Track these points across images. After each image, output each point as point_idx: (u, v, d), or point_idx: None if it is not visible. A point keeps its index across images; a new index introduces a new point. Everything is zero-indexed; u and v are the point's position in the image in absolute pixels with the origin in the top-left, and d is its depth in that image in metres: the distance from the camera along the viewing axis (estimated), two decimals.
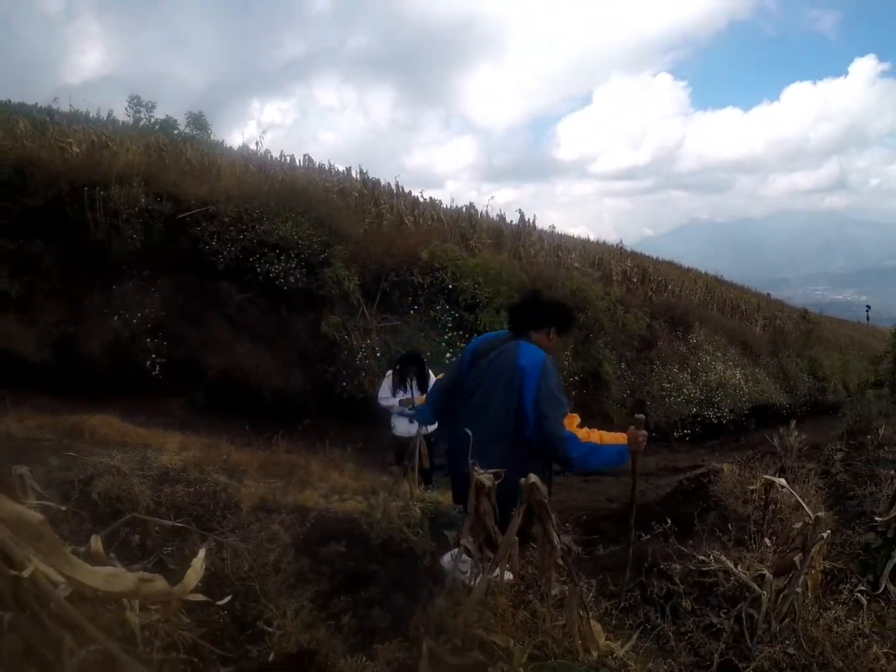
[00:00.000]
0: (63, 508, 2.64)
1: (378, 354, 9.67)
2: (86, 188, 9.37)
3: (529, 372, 2.57)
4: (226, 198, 10.19)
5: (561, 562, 2.01)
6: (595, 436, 2.53)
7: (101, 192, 9.39)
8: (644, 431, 2.56)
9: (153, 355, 9.07)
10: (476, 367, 2.80)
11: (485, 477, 2.11)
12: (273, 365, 9.31)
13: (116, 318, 9.05)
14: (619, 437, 2.56)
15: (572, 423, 2.52)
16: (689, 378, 13.70)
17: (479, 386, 2.75)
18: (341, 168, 15.30)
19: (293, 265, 9.67)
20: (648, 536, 3.33)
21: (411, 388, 5.74)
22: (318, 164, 15.36)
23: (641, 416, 2.62)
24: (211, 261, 9.67)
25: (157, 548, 2.75)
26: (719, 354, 15.09)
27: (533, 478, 2.00)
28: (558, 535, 2.01)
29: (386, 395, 5.80)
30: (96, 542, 1.86)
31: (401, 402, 5.67)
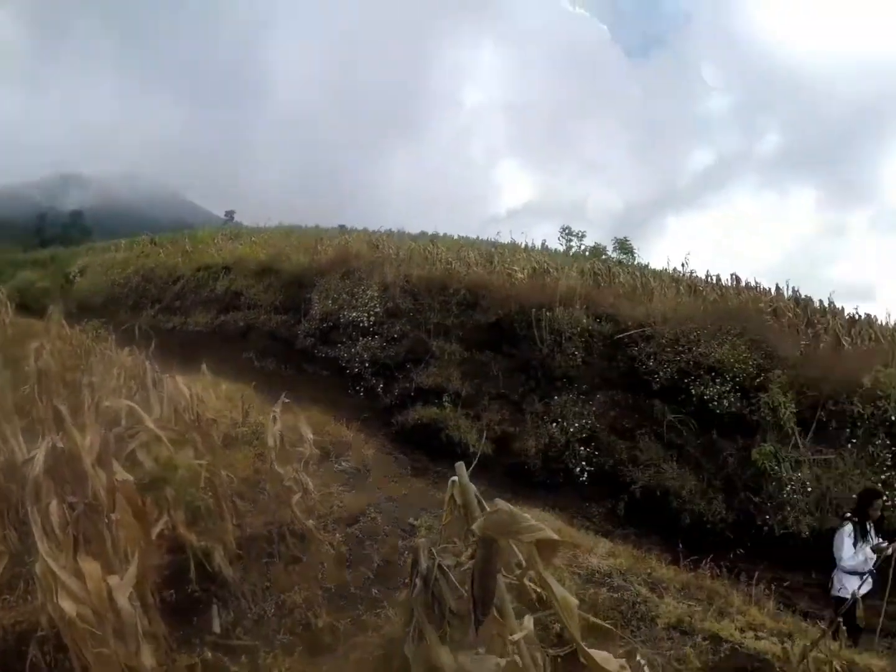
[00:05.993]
0: None
1: (809, 489, 8.46)
2: (532, 309, 11.00)
3: None
4: (662, 319, 10.61)
5: None
6: None
7: (547, 313, 10.89)
8: None
9: (583, 463, 9.73)
10: None
11: None
12: (697, 487, 8.92)
13: (554, 424, 10.12)
14: None
15: None
16: None
17: None
18: (766, 285, 14.27)
19: (727, 388, 9.39)
20: None
21: (871, 532, 4.80)
22: (744, 282, 14.65)
23: None
24: (646, 380, 10.08)
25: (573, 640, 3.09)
26: None
27: None
28: None
29: (849, 554, 4.84)
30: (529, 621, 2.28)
31: (873, 548, 4.74)
